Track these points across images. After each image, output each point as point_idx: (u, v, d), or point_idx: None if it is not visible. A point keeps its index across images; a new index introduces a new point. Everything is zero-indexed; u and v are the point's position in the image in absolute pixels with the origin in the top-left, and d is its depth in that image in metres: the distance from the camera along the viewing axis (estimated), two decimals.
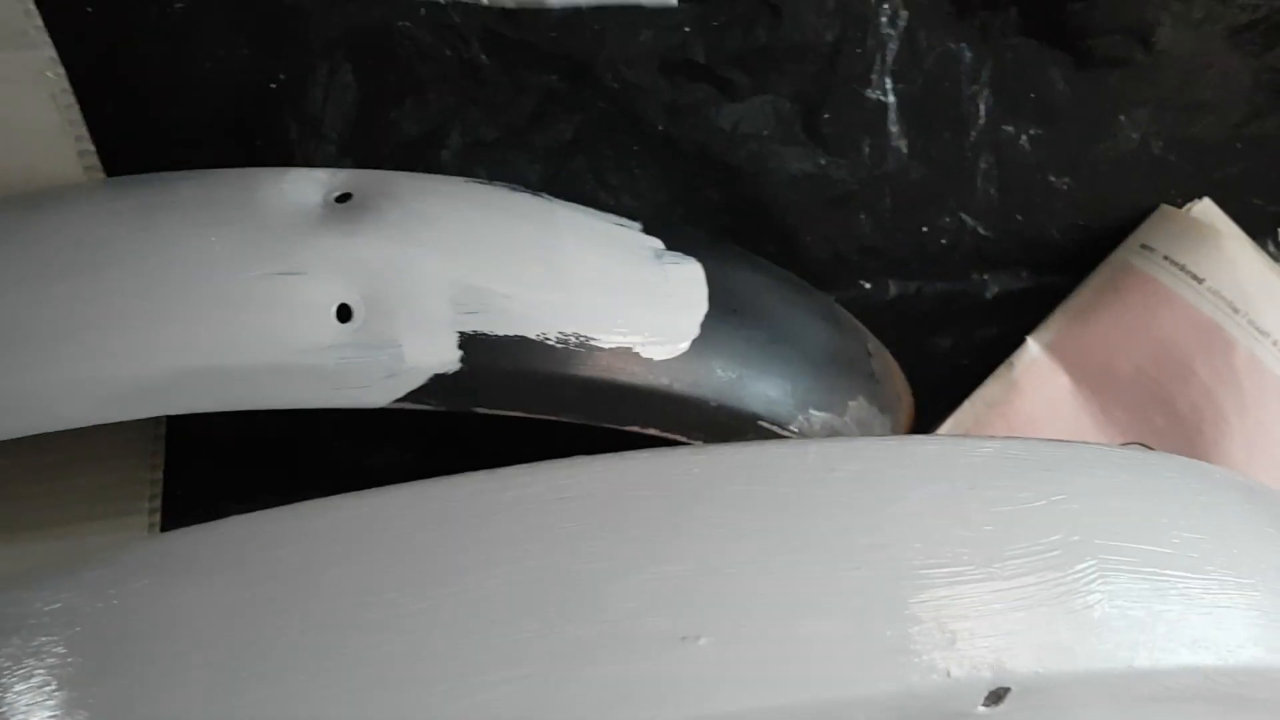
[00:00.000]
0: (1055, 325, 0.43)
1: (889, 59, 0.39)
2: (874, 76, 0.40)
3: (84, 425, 0.31)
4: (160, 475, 0.42)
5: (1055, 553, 0.25)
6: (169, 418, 0.44)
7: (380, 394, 0.32)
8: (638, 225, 0.36)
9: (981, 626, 0.23)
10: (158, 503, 0.42)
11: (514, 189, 0.35)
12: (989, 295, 0.45)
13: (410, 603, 0.22)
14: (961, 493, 0.25)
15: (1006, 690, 0.24)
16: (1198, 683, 0.26)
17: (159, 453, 0.42)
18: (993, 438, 0.26)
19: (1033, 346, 0.43)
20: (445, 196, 0.34)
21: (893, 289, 0.45)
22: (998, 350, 0.45)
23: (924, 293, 0.45)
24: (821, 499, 0.24)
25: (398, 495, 0.23)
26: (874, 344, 0.42)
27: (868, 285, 0.45)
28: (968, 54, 0.40)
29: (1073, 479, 0.26)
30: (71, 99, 0.39)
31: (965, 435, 0.28)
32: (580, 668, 0.22)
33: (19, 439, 0.33)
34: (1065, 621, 0.24)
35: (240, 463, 0.44)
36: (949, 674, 0.23)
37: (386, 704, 0.21)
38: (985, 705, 0.24)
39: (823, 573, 0.23)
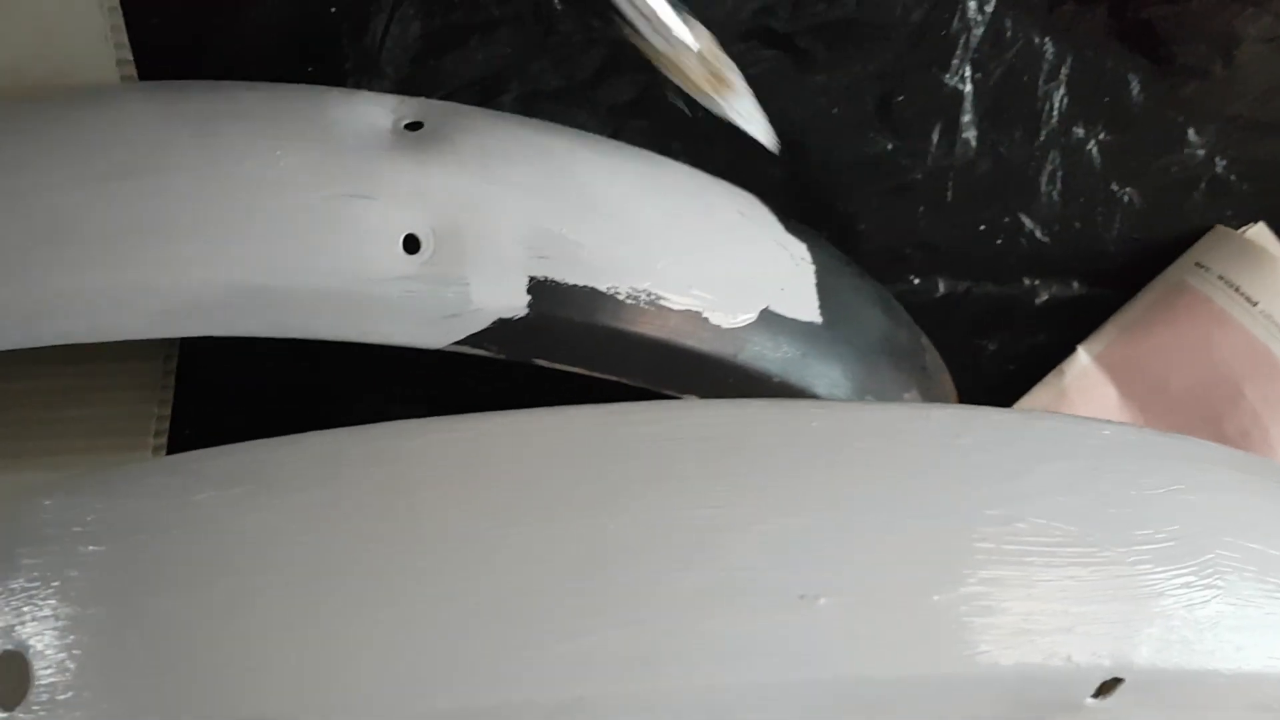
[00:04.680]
0: (1106, 337, 0.43)
1: (972, 45, 0.38)
2: (955, 63, 0.39)
3: (131, 338, 0.29)
4: (169, 411, 0.40)
5: (1175, 543, 0.23)
6: (180, 354, 0.42)
7: (440, 334, 0.31)
8: (727, 185, 0.34)
9: (1105, 612, 0.22)
10: (164, 439, 0.39)
11: (590, 135, 0.34)
12: (1039, 301, 0.44)
13: (519, 536, 0.20)
14: (1086, 472, 0.23)
15: (1119, 682, 0.23)
16: None
17: (169, 387, 0.40)
18: (1109, 421, 0.25)
19: (1083, 356, 0.42)
20: (521, 134, 0.32)
21: (942, 287, 0.44)
22: (1042, 358, 0.44)
23: (973, 293, 0.44)
24: (947, 466, 0.22)
25: (503, 421, 0.22)
26: (926, 340, 0.41)
27: (916, 281, 0.43)
28: (1050, 49, 0.39)
29: (1188, 470, 0.25)
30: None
31: (1081, 416, 0.27)
32: (694, 617, 0.20)
33: (37, 358, 0.31)
34: (1184, 616, 0.23)
35: (253, 407, 0.42)
36: (1070, 658, 0.22)
37: (491, 643, 0.19)
38: (1094, 696, 0.23)
39: (949, 542, 0.22)
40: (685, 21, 0.30)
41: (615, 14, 0.30)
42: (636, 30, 0.30)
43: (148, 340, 0.40)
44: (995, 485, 0.22)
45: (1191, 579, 0.23)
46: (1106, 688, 0.23)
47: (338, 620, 0.20)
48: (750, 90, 0.32)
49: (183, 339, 0.41)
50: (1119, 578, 0.22)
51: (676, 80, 0.31)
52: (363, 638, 0.20)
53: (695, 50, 0.31)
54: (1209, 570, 0.23)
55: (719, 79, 0.32)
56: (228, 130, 0.29)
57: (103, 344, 0.39)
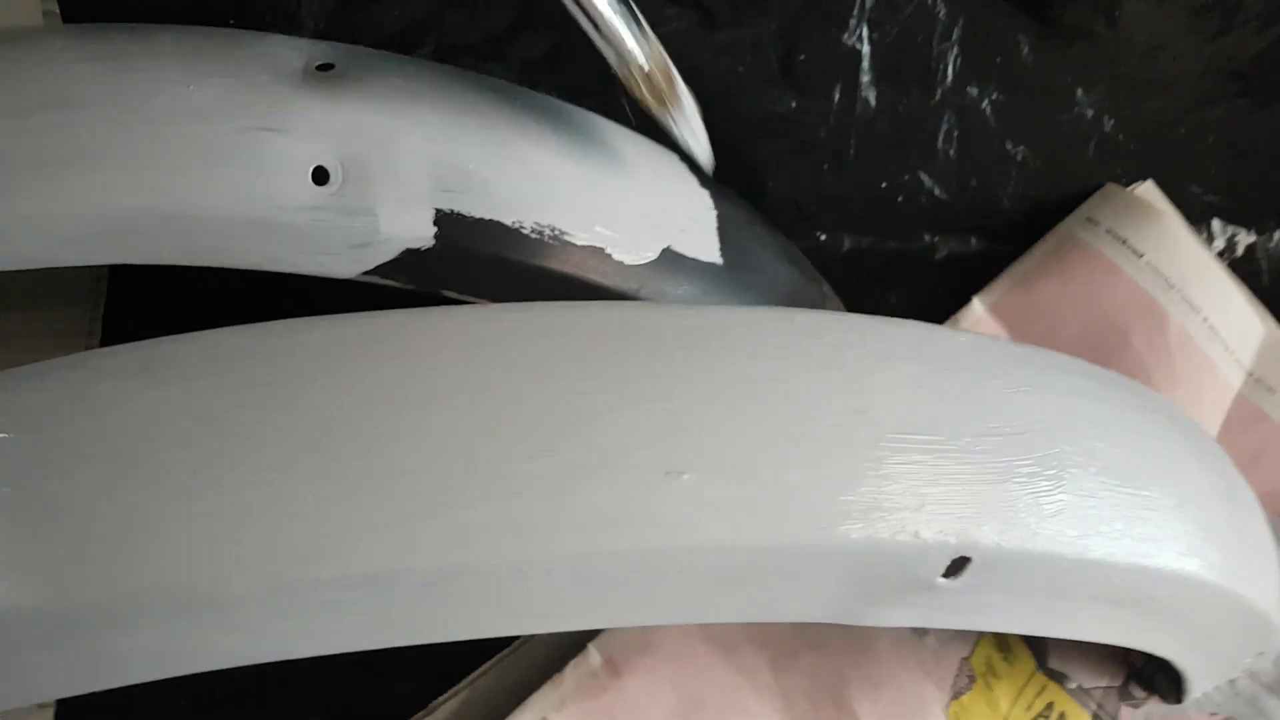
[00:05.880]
0: (1000, 288, 0.45)
1: (868, 6, 0.40)
2: (852, 22, 0.41)
3: (42, 266, 0.30)
4: (100, 312, 0.41)
5: (1023, 437, 0.25)
6: (106, 308, 0.43)
7: (349, 264, 0.32)
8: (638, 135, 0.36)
9: (951, 495, 0.24)
10: (96, 340, 0.41)
11: (501, 81, 0.35)
12: (938, 257, 0.46)
13: (398, 419, 0.22)
14: (939, 371, 0.25)
15: (967, 561, 0.25)
16: (1135, 584, 0.27)
17: (101, 292, 0.41)
18: (967, 332, 0.27)
19: (977, 306, 0.44)
20: (430, 76, 0.34)
21: (846, 243, 0.45)
22: (943, 312, 0.46)
23: (876, 249, 0.46)
24: (808, 360, 0.24)
25: (388, 319, 0.23)
26: (828, 289, 0.43)
27: (823, 237, 0.45)
28: (943, 9, 0.41)
29: (1041, 376, 0.27)
30: None
31: (941, 326, 0.28)
32: (567, 491, 0.22)
33: None
34: (1028, 503, 0.25)
35: (185, 310, 0.43)
36: (917, 535, 0.23)
37: (373, 515, 0.21)
38: (945, 576, 0.25)
39: (806, 426, 0.23)
40: (636, 36, 0.31)
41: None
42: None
43: (73, 288, 0.41)
44: (851, 378, 0.24)
45: (1036, 469, 0.25)
46: (957, 566, 0.25)
47: (228, 496, 0.21)
48: (698, 109, 0.33)
49: (109, 288, 0.42)
50: (965, 464, 0.24)
51: (626, 87, 0.32)
52: (251, 511, 0.21)
53: (644, 67, 0.31)
54: (1053, 463, 0.25)
55: (665, 96, 0.33)
56: (141, 67, 0.31)
57: (25, 290, 0.40)
